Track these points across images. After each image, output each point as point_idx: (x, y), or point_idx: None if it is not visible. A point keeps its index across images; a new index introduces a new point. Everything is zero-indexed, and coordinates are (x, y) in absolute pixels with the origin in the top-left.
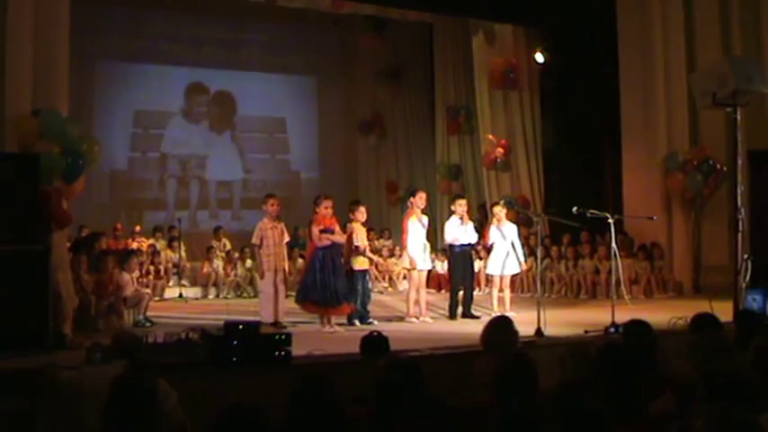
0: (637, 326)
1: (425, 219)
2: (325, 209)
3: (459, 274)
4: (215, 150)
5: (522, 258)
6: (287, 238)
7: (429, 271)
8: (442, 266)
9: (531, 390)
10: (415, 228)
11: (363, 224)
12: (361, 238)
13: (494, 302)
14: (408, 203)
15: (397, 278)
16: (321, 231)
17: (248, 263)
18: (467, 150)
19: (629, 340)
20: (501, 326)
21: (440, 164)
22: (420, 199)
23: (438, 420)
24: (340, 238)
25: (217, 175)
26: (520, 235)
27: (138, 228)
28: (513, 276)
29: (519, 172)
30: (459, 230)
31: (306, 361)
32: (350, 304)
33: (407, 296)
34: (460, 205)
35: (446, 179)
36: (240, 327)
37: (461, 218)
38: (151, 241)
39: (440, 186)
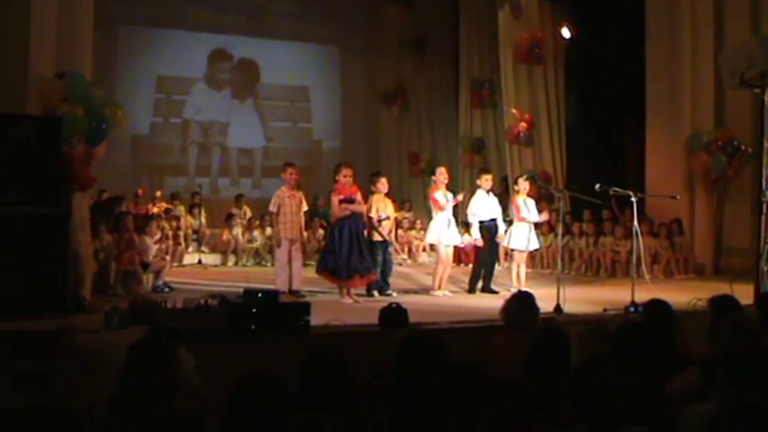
0: (657, 305)
1: (449, 195)
2: (345, 177)
3: (487, 249)
4: (237, 117)
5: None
6: (305, 207)
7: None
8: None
9: (566, 365)
10: (442, 199)
11: (387, 195)
12: (377, 209)
13: (513, 278)
14: (432, 182)
15: (417, 250)
16: (341, 201)
17: (268, 231)
18: (490, 124)
19: (649, 320)
20: (523, 301)
21: (462, 137)
22: (441, 174)
23: (467, 389)
24: (360, 207)
25: (238, 142)
26: (539, 211)
27: (158, 193)
28: (532, 252)
29: (542, 147)
30: (484, 205)
31: (324, 331)
32: (367, 276)
33: (435, 271)
34: (486, 180)
35: (469, 152)
36: (259, 295)
37: (487, 192)
38: (170, 206)
39: (462, 159)
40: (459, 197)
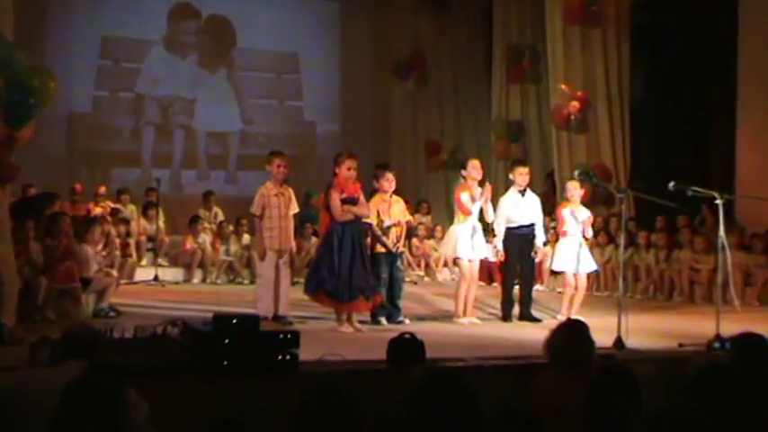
0: (750, 340)
1: (479, 204)
2: (348, 170)
3: (515, 263)
4: (206, 93)
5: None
6: (295, 209)
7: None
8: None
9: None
10: (468, 203)
11: (396, 194)
12: (378, 213)
13: (564, 303)
14: (461, 178)
15: (436, 265)
16: (342, 201)
17: (245, 239)
18: (531, 104)
19: (741, 360)
20: (574, 333)
21: (496, 120)
22: (473, 169)
23: None
24: (365, 210)
25: (208, 124)
26: (593, 215)
27: (102, 189)
28: (590, 275)
29: (599, 133)
30: (516, 207)
31: (317, 368)
32: (373, 298)
33: (457, 291)
34: (521, 174)
35: (503, 140)
36: (234, 321)
37: (522, 191)
38: (118, 206)
39: (495, 149)
40: (486, 193)
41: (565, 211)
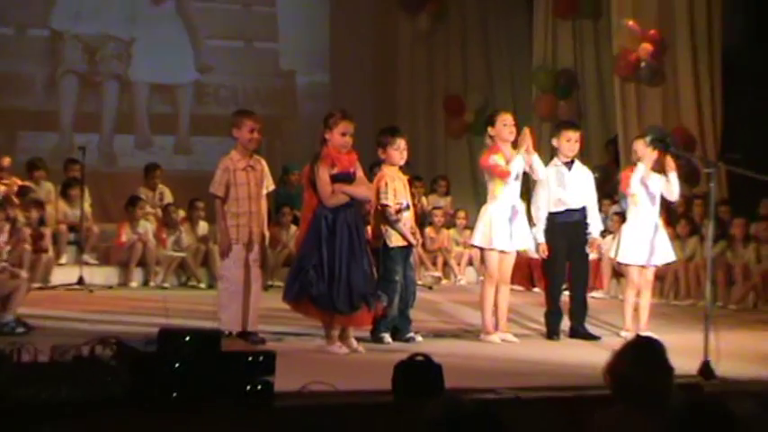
0: None
1: (519, 159)
2: (342, 137)
3: (563, 261)
4: (148, 30)
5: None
6: (270, 187)
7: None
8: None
9: None
10: (503, 171)
11: (403, 169)
12: (393, 192)
13: (626, 314)
14: (487, 140)
15: (458, 263)
16: (333, 178)
17: (202, 227)
18: (586, 46)
19: None
20: (644, 355)
21: (538, 68)
22: (505, 125)
23: None
24: (364, 190)
25: (150, 73)
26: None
27: (6, 161)
28: (665, 268)
29: (678, 87)
30: (561, 184)
31: (298, 402)
32: (376, 307)
33: (483, 297)
34: (568, 140)
35: (548, 95)
36: (186, 339)
37: (569, 163)
38: (27, 184)
39: (537, 107)
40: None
41: (633, 180)
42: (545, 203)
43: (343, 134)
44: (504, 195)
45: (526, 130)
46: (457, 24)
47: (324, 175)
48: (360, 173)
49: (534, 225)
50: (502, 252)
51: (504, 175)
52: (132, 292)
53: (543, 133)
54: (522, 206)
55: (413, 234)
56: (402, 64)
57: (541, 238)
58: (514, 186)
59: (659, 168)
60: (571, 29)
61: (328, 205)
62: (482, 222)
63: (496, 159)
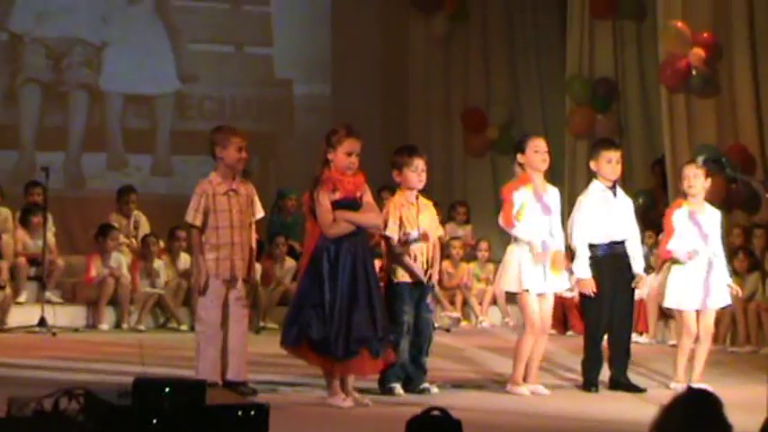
0: None
1: (553, 193)
2: (347, 157)
3: (606, 301)
4: (122, 33)
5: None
6: (259, 214)
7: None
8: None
9: None
10: (531, 206)
11: (424, 193)
12: (400, 220)
13: (679, 362)
14: (516, 168)
15: (480, 302)
16: (335, 204)
17: (183, 260)
18: (628, 51)
19: None
20: (696, 410)
21: (572, 77)
22: (535, 152)
23: None
24: (372, 216)
25: (125, 83)
26: (723, 228)
27: None
28: (720, 312)
29: (735, 98)
30: (607, 213)
31: None
32: (384, 354)
33: (519, 346)
34: (608, 161)
35: (584, 107)
36: (165, 390)
37: (612, 187)
38: None
39: (571, 122)
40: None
41: (679, 214)
42: (586, 235)
43: (348, 154)
44: (531, 230)
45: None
46: (478, 26)
47: (324, 201)
48: (368, 197)
49: (573, 257)
50: (540, 295)
51: (507, 225)
52: (103, 336)
53: (578, 152)
54: (555, 241)
55: (427, 269)
56: (414, 72)
57: (585, 273)
58: (546, 219)
59: (715, 196)
60: (611, 31)
61: (329, 236)
62: (509, 262)
63: (520, 197)
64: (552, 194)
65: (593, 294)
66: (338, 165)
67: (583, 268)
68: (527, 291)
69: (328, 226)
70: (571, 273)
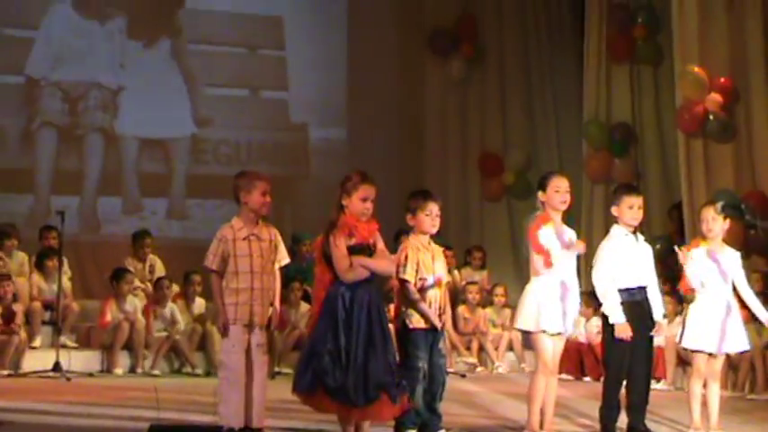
0: None
1: (571, 234)
2: (362, 203)
3: (627, 347)
4: (138, 78)
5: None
6: (284, 260)
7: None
8: (588, 329)
9: None
10: (553, 245)
11: (437, 238)
12: (416, 265)
13: (693, 407)
14: (538, 204)
15: (496, 347)
16: (351, 249)
17: (198, 304)
18: (645, 96)
19: None
20: None
21: (590, 121)
22: (556, 192)
23: None
24: (386, 263)
25: (140, 127)
26: (747, 271)
27: None
28: (739, 358)
29: (753, 143)
30: (630, 259)
31: None
32: (400, 400)
33: (532, 389)
34: (630, 207)
35: (601, 152)
36: None
37: (633, 232)
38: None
39: (588, 166)
40: (581, 246)
41: (697, 253)
42: (611, 278)
43: (363, 200)
44: (552, 269)
45: (580, 246)
46: (495, 70)
47: (342, 246)
48: (381, 244)
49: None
50: (552, 336)
51: (546, 263)
52: (117, 381)
53: (596, 197)
54: (574, 282)
55: (440, 315)
56: (431, 116)
57: (620, 317)
58: (566, 259)
59: (734, 242)
60: (628, 76)
61: (346, 281)
62: (527, 301)
63: (545, 236)
64: (570, 236)
65: (629, 339)
66: (353, 210)
67: (617, 313)
68: (544, 331)
69: (345, 271)
70: (587, 318)
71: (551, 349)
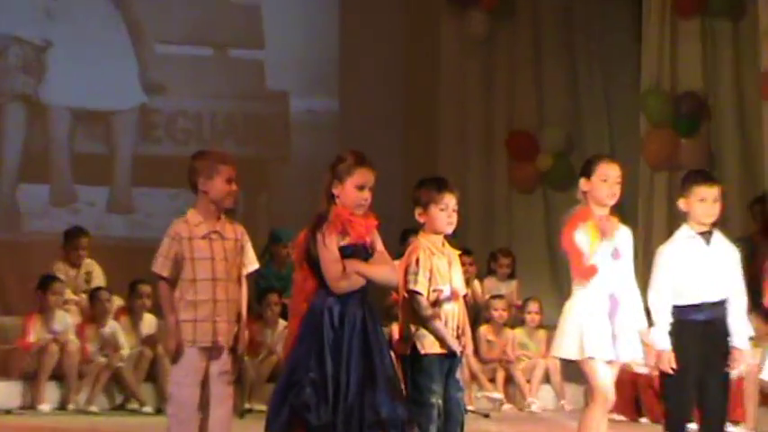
0: None
1: (624, 233)
2: (358, 191)
3: (692, 380)
4: (71, 31)
5: None
6: (253, 265)
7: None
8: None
9: None
10: (594, 249)
11: (450, 240)
12: (429, 272)
13: None
14: (579, 196)
15: (528, 379)
16: (343, 251)
17: (148, 322)
18: (721, 58)
19: None
20: None
21: (648, 92)
22: (603, 181)
23: None
24: (387, 270)
25: (73, 94)
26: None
27: None
28: None
29: None
30: (697, 266)
31: None
32: None
33: (585, 420)
34: (703, 200)
35: (664, 130)
36: None
37: (705, 233)
38: None
39: (647, 148)
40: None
41: None
42: (669, 291)
43: (360, 187)
44: (597, 280)
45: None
46: (527, 25)
47: (333, 247)
48: (380, 245)
49: (651, 323)
50: (606, 363)
51: (586, 275)
52: (43, 419)
53: (657, 187)
54: (624, 293)
55: (459, 337)
56: (446, 84)
57: (664, 343)
58: (615, 266)
59: None
60: (698, 33)
61: (337, 290)
62: (567, 321)
63: (582, 241)
64: (623, 235)
65: (671, 371)
66: (347, 201)
67: (661, 337)
68: (591, 358)
69: (337, 278)
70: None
71: (607, 376)
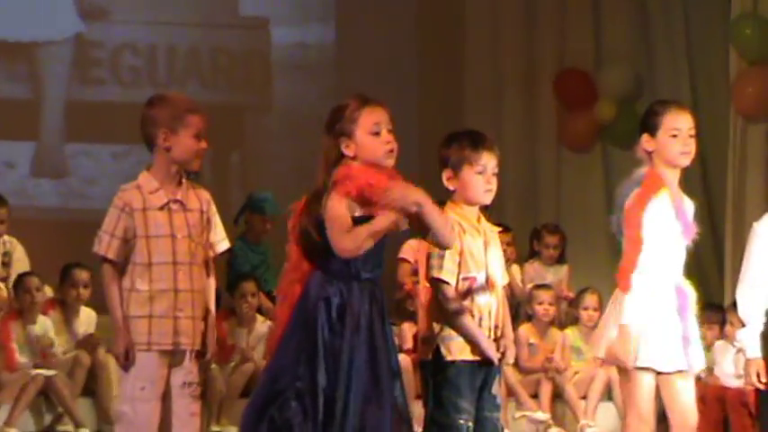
0: None
1: (690, 207)
2: (373, 136)
3: None
4: None
5: None
6: (222, 244)
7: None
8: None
9: None
10: (667, 225)
11: (486, 214)
12: (459, 255)
13: None
14: (641, 155)
15: (583, 395)
16: (356, 220)
17: (86, 317)
18: None
19: None
20: None
21: (741, 18)
22: (674, 135)
23: None
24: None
25: None
26: None
27: None
28: None
29: None
30: None
31: None
32: None
33: None
34: None
35: (760, 67)
36: None
37: None
38: None
39: (738, 92)
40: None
41: None
42: (764, 290)
43: (375, 132)
44: (660, 267)
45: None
46: None
47: (341, 208)
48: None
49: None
50: (682, 373)
51: (636, 246)
52: None
53: (750, 143)
54: (691, 289)
55: (497, 339)
56: (474, 13)
57: (755, 350)
58: (682, 250)
59: None
60: None
61: (342, 252)
62: (627, 322)
63: (658, 212)
64: (688, 206)
65: (762, 385)
66: (367, 156)
67: (752, 342)
68: (646, 369)
69: (342, 235)
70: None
71: (648, 392)
